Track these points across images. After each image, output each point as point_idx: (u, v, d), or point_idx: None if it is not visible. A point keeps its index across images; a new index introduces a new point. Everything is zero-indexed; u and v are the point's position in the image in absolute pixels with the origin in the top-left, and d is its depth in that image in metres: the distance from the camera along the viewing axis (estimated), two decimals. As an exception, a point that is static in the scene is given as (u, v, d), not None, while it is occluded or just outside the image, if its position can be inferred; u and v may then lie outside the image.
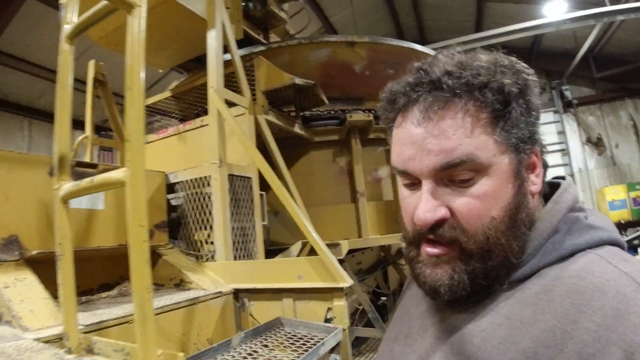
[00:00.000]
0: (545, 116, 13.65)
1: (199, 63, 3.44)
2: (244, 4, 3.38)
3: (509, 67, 0.67)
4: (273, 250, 2.94)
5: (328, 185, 3.75)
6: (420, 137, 0.65)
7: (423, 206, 0.65)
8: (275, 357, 1.47)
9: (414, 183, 0.69)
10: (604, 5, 8.41)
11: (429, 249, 0.67)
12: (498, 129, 0.64)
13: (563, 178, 0.78)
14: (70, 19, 1.03)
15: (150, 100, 3.63)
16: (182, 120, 3.82)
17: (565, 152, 13.40)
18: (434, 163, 0.64)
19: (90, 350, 1.01)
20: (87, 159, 3.33)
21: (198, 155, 2.77)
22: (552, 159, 13.37)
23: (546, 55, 13.19)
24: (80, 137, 3.34)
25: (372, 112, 3.70)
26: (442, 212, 0.65)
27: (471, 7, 11.78)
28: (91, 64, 3.47)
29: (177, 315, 1.68)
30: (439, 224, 0.65)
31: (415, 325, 0.79)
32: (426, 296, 0.73)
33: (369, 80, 3.84)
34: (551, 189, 0.75)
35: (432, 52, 4.20)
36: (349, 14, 11.19)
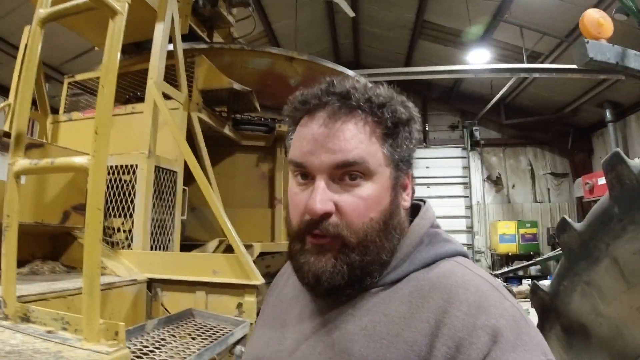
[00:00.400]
0: (454, 151, 14.86)
1: (136, 47, 3.42)
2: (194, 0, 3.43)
3: (401, 100, 0.79)
4: (187, 245, 3.00)
5: (249, 188, 3.87)
6: (322, 136, 0.72)
7: (318, 197, 0.71)
8: (184, 344, 1.57)
9: (306, 179, 0.75)
10: (522, 61, 9.40)
11: (315, 240, 0.73)
12: (387, 145, 0.74)
13: (422, 201, 0.88)
14: (46, 4, 1.09)
15: (80, 77, 3.53)
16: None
17: (467, 185, 14.58)
18: (332, 160, 0.71)
19: (26, 319, 1.05)
20: (6, 127, 3.14)
21: (124, 141, 2.77)
22: (455, 190, 14.54)
23: (463, 97, 14.37)
24: (2, 104, 3.14)
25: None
26: (330, 206, 0.71)
27: (405, 42, 12.50)
28: (25, 30, 3.26)
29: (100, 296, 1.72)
30: (325, 217, 0.72)
31: (292, 313, 0.85)
32: (304, 290, 0.81)
33: (302, 95, 4.04)
34: (414, 208, 0.85)
35: (363, 80, 4.52)
36: (291, 23, 11.36)
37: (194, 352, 1.45)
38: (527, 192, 14.37)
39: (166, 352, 1.44)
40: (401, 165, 0.77)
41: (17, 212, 1.05)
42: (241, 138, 3.71)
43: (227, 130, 3.47)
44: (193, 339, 1.64)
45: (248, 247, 2.94)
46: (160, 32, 2.55)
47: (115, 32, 0.95)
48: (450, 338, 0.63)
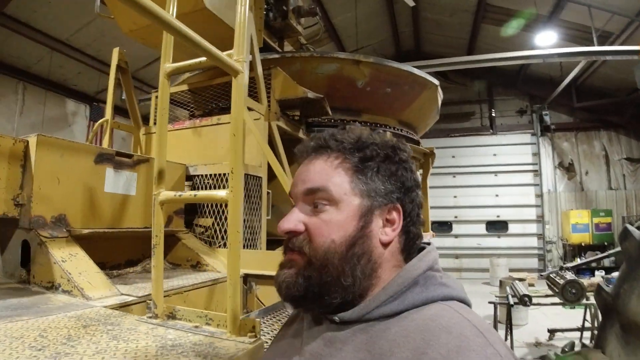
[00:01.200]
0: (523, 137, 14.36)
1: (214, 62, 3.74)
2: (265, 14, 3.68)
3: (390, 146, 0.86)
4: (270, 240, 3.28)
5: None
6: (301, 172, 0.87)
7: (287, 218, 0.83)
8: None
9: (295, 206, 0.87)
10: (591, 41, 8.96)
11: (287, 254, 0.84)
12: (355, 178, 0.82)
13: (428, 244, 0.92)
14: (168, 59, 1.34)
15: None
16: (192, 112, 4.11)
17: (537, 173, 14.09)
18: (302, 188, 0.84)
19: (173, 317, 1.32)
20: (105, 141, 3.57)
21: (212, 150, 3.08)
22: (524, 178, 14.10)
23: (531, 80, 13.83)
24: (100, 120, 3.56)
25: (368, 124, 4.07)
26: (296, 225, 0.82)
27: (467, 26, 12.25)
28: (115, 52, 3.65)
29: (202, 291, 2.02)
30: (293, 235, 0.83)
31: (290, 332, 0.95)
32: (306, 316, 0.90)
33: (368, 95, 4.21)
34: (420, 251, 0.88)
35: (428, 77, 4.60)
36: (351, 17, 11.50)
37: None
38: (601, 178, 13.64)
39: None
40: (376, 197, 0.82)
41: (162, 232, 1.32)
42: (313, 140, 3.95)
43: (301, 134, 3.71)
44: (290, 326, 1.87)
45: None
46: (242, 52, 2.80)
47: (239, 87, 1.18)
48: None
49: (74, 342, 1.05)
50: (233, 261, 1.18)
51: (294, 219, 0.82)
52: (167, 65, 1.35)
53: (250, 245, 2.69)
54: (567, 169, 13.95)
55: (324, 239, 0.79)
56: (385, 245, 0.83)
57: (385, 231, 0.83)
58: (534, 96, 14.21)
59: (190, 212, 2.85)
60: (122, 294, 1.72)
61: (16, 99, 9.17)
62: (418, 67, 8.62)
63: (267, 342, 1.64)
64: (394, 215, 0.83)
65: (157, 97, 3.94)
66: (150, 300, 1.58)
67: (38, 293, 1.72)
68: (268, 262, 2.35)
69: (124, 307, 1.59)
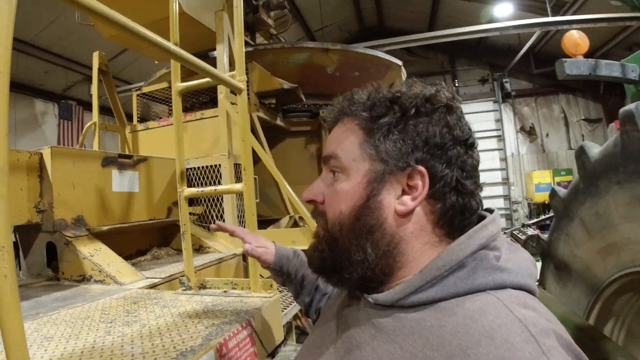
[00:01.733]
0: (486, 105, 14.97)
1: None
2: (236, 10, 3.89)
3: (414, 97, 0.72)
4: (259, 221, 3.59)
5: (301, 167, 4.43)
6: (328, 138, 0.82)
7: (309, 187, 0.80)
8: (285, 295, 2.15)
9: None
10: (546, 10, 9.40)
11: (316, 226, 0.81)
12: (365, 142, 0.72)
13: (491, 211, 0.76)
14: (178, 79, 1.62)
15: (146, 89, 4.11)
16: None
17: (500, 138, 14.76)
18: (323, 155, 0.79)
19: (204, 287, 1.63)
20: (95, 142, 3.76)
21: (199, 143, 3.34)
22: (488, 143, 14.73)
23: (491, 50, 14.35)
24: (88, 124, 3.75)
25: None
26: (315, 195, 0.79)
27: (428, 1, 12.57)
28: (95, 56, 3.79)
29: (211, 269, 2.32)
30: (315, 204, 0.80)
31: (333, 310, 0.88)
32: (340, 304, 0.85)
33: (338, 80, 4.52)
34: (479, 220, 0.72)
35: (391, 59, 4.92)
36: (314, -3, 11.64)
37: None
38: (561, 139, 14.41)
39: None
40: (390, 161, 0.70)
41: (189, 221, 1.61)
42: (290, 125, 4.25)
43: (278, 121, 4.00)
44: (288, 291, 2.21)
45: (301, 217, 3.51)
46: (221, 52, 3.05)
47: (243, 102, 1.48)
48: None
49: (134, 314, 1.36)
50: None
51: (314, 189, 0.80)
52: (178, 84, 1.62)
53: (244, 226, 3.01)
54: (529, 132, 14.67)
55: (334, 211, 0.74)
56: (403, 216, 0.70)
57: (403, 200, 0.70)
58: (494, 65, 14.76)
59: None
60: (147, 277, 2.01)
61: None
62: (383, 45, 8.94)
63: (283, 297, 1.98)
64: (417, 180, 0.69)
65: (138, 95, 4.15)
66: (175, 279, 1.89)
67: (73, 286, 1.97)
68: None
69: (152, 287, 1.88)
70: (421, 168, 0.69)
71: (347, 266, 0.72)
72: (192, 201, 3.12)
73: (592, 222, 2.14)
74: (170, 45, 1.10)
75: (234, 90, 1.49)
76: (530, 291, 0.65)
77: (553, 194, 2.62)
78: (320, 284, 1.24)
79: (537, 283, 0.67)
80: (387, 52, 7.71)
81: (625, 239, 1.89)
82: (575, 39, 2.45)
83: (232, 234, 1.26)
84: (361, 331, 0.71)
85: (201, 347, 0.99)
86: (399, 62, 5.13)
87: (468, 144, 0.72)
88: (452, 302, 0.62)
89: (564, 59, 2.40)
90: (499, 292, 0.61)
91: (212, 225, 1.25)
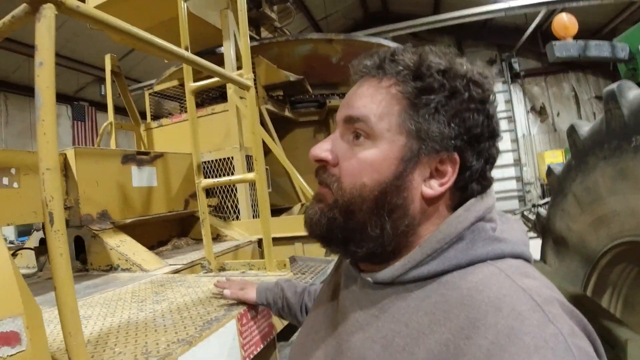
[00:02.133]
0: (495, 86, 14.78)
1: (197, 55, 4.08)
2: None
3: (464, 76, 0.67)
4: (272, 210, 3.75)
5: (309, 157, 4.55)
6: (348, 95, 0.72)
7: (319, 144, 0.72)
8: (300, 278, 2.29)
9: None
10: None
11: (319, 187, 0.72)
12: (405, 112, 0.65)
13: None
14: (191, 79, 1.75)
15: (158, 88, 4.26)
16: (182, 104, 4.47)
17: (511, 119, 14.67)
18: (343, 114, 0.70)
19: (223, 269, 1.78)
20: (112, 141, 3.93)
21: (211, 137, 3.49)
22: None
23: (497, 30, 14.21)
24: (105, 124, 3.92)
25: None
26: (326, 155, 0.70)
27: (431, -17, 12.50)
28: (107, 58, 3.96)
29: (229, 255, 2.47)
30: (323, 165, 0.71)
31: (328, 294, 0.85)
32: (346, 272, 0.81)
33: (343, 69, 4.58)
34: None
35: (396, 45, 4.97)
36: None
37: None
38: (572, 118, 14.23)
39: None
40: (427, 142, 0.65)
41: (207, 210, 1.76)
42: (298, 116, 4.37)
43: (286, 113, 4.13)
44: (303, 273, 2.34)
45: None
46: (228, 49, 3.18)
47: (252, 98, 1.61)
48: None
49: (162, 294, 1.50)
50: (265, 224, 1.64)
51: (326, 147, 0.71)
52: (191, 84, 1.75)
53: (255, 215, 3.16)
54: (539, 112, 14.55)
55: (354, 180, 0.67)
56: (429, 200, 0.67)
57: (431, 184, 0.67)
58: (502, 45, 14.64)
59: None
60: (170, 264, 2.16)
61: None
62: (388, 32, 8.96)
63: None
64: (447, 166, 0.67)
65: (151, 93, 4.30)
66: (197, 264, 2.04)
67: (101, 275, 2.13)
68: (277, 227, 2.82)
69: (175, 272, 2.04)
70: (455, 155, 0.66)
71: (359, 240, 0.68)
72: (207, 193, 3.27)
73: (584, 197, 2.24)
74: (183, 52, 1.23)
75: (243, 88, 1.62)
76: (527, 259, 0.65)
77: (549, 172, 2.74)
78: (308, 302, 1.17)
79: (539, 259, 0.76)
80: (393, 37, 7.77)
81: (613, 211, 2.00)
82: (564, 22, 2.53)
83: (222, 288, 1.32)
84: (363, 312, 0.69)
85: (224, 316, 1.13)
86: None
87: (495, 135, 0.69)
88: (454, 275, 0.62)
89: (554, 42, 2.48)
90: (499, 262, 0.61)
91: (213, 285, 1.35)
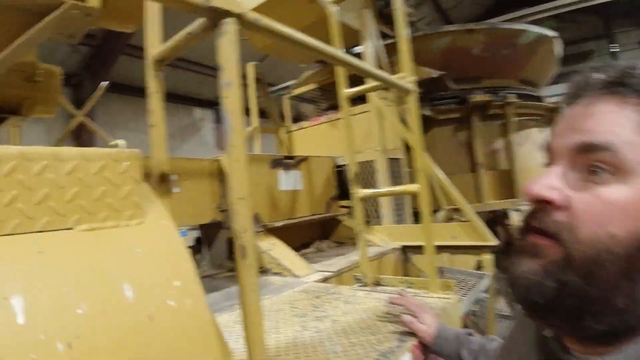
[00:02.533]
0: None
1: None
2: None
3: None
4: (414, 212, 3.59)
5: (448, 157, 4.29)
6: (575, 115, 0.56)
7: (541, 179, 0.55)
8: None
9: (549, 166, 0.58)
10: None
11: (531, 235, 0.56)
12: None
13: None
14: (346, 86, 1.71)
15: (296, 92, 4.38)
16: (319, 107, 4.54)
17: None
18: (572, 140, 0.54)
19: (378, 284, 1.72)
20: (256, 145, 4.12)
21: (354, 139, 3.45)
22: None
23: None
24: (249, 128, 4.12)
25: (491, 90, 4.14)
26: (552, 194, 0.54)
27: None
28: (250, 67, 4.16)
29: (375, 262, 2.40)
30: (546, 208, 0.54)
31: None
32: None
33: (485, 61, 4.27)
34: None
35: (543, 30, 4.47)
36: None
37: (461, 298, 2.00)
38: None
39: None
40: None
41: (362, 221, 1.70)
42: (437, 114, 4.15)
43: (426, 111, 3.94)
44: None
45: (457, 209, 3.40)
46: (369, 48, 3.10)
47: (414, 104, 1.50)
48: None
49: (321, 309, 1.47)
50: (428, 241, 1.51)
51: (550, 184, 0.55)
52: (346, 90, 1.70)
53: (399, 220, 3.04)
54: None
55: (597, 229, 0.51)
56: None
57: None
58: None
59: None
60: (319, 271, 2.16)
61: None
62: (527, 16, 8.15)
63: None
64: None
65: (290, 97, 4.43)
66: (344, 273, 2.00)
67: (254, 277, 2.22)
68: (417, 234, 2.67)
69: (325, 281, 2.02)
70: None
71: (598, 312, 0.51)
72: (344, 195, 3.24)
73: None
74: (345, 56, 1.16)
75: (404, 92, 1.51)
76: None
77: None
78: None
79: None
80: (531, 22, 7.02)
81: None
82: None
83: (406, 307, 1.23)
84: None
85: (398, 348, 1.04)
86: (551, 34, 4.64)
87: None
88: None
89: None
90: None
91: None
